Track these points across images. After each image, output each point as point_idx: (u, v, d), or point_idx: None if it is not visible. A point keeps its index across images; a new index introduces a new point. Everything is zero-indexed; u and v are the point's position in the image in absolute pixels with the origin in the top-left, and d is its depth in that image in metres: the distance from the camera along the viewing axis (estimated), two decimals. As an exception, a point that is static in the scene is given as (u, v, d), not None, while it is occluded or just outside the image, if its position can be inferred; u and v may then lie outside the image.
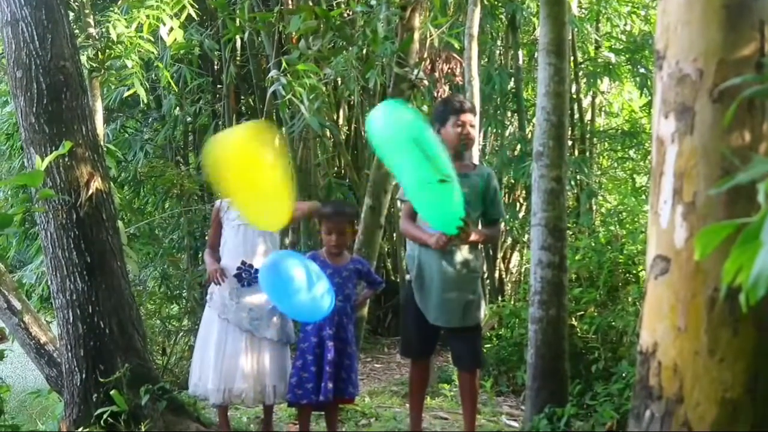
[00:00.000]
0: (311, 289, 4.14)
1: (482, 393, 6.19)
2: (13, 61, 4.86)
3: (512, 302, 8.45)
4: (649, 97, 10.07)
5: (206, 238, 6.56)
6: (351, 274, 4.62)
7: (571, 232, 7.96)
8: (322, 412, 4.92)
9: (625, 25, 11.72)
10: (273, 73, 6.52)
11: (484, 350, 6.11)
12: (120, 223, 5.60)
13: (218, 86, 10.47)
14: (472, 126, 4.50)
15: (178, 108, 10.08)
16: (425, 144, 3.78)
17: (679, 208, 2.04)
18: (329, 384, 4.44)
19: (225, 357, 4.54)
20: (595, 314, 6.27)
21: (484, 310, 4.64)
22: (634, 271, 6.54)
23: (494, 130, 11.06)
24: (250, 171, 4.05)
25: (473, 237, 4.33)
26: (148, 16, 7.60)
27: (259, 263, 4.64)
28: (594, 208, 10.25)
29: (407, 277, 4.72)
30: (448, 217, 4.02)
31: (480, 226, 4.53)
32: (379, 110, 3.94)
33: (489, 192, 4.48)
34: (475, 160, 6.08)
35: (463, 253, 4.42)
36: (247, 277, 4.62)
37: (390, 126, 3.88)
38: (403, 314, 4.80)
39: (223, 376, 4.52)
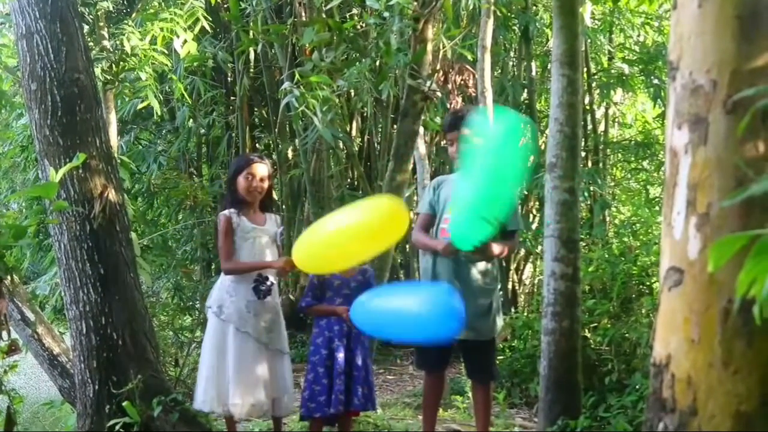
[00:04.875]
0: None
1: (495, 405, 6.16)
2: (28, 74, 4.89)
3: (525, 314, 8.43)
4: (663, 108, 10.06)
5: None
6: (359, 284, 4.61)
7: (584, 244, 7.93)
8: (335, 426, 4.90)
9: (639, 36, 11.71)
10: (286, 84, 6.54)
11: (498, 362, 6.09)
12: (133, 235, 5.61)
13: (232, 98, 10.51)
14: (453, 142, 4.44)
15: (191, 120, 10.13)
16: (500, 183, 3.82)
17: (692, 219, 2.03)
18: (340, 396, 4.44)
19: (248, 370, 4.51)
20: (609, 326, 6.24)
21: (500, 323, 4.62)
22: (648, 283, 6.51)
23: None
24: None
25: (494, 251, 4.33)
26: (162, 29, 7.66)
27: (271, 276, 4.64)
28: (607, 219, 10.22)
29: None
30: (466, 239, 4.04)
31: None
32: (501, 126, 3.94)
33: None
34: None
35: (478, 266, 4.40)
36: (264, 289, 4.58)
37: (490, 146, 3.91)
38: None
39: (248, 389, 4.48)
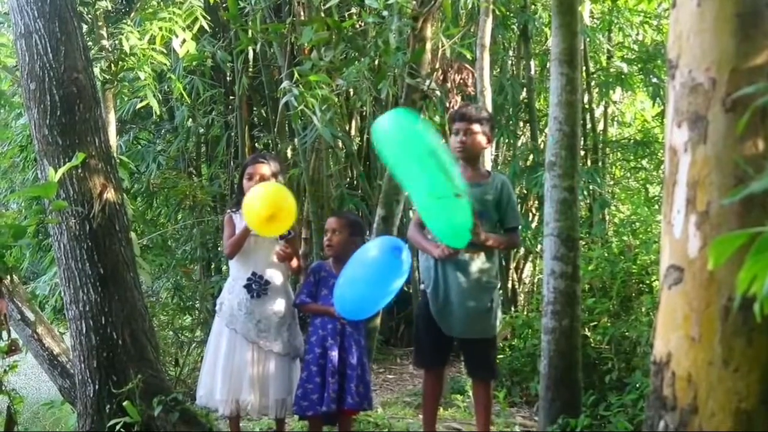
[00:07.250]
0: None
1: (495, 404, 6.15)
2: (26, 73, 4.89)
3: (525, 312, 8.43)
4: (662, 107, 10.04)
5: (219, 249, 6.51)
6: None
7: (584, 242, 7.93)
8: (335, 425, 4.90)
9: (638, 34, 11.69)
10: (285, 84, 6.53)
11: (498, 361, 6.09)
12: (133, 234, 5.61)
13: (231, 97, 10.49)
14: (468, 134, 4.47)
15: (190, 119, 10.11)
16: (441, 157, 3.80)
17: (692, 217, 2.03)
18: (333, 394, 4.44)
19: (233, 367, 4.54)
20: (609, 324, 6.23)
21: (499, 321, 4.62)
22: (648, 281, 6.51)
23: (507, 140, 11.03)
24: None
25: (490, 242, 4.32)
26: (160, 28, 7.65)
27: (270, 275, 4.64)
28: (607, 218, 10.21)
29: (420, 287, 4.70)
30: (456, 232, 4.02)
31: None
32: (390, 117, 3.97)
33: (503, 200, 4.45)
34: (488, 168, 6.05)
35: (478, 264, 4.40)
36: (256, 288, 4.60)
37: (404, 134, 3.89)
38: (416, 324, 4.78)
39: (231, 386, 4.52)
